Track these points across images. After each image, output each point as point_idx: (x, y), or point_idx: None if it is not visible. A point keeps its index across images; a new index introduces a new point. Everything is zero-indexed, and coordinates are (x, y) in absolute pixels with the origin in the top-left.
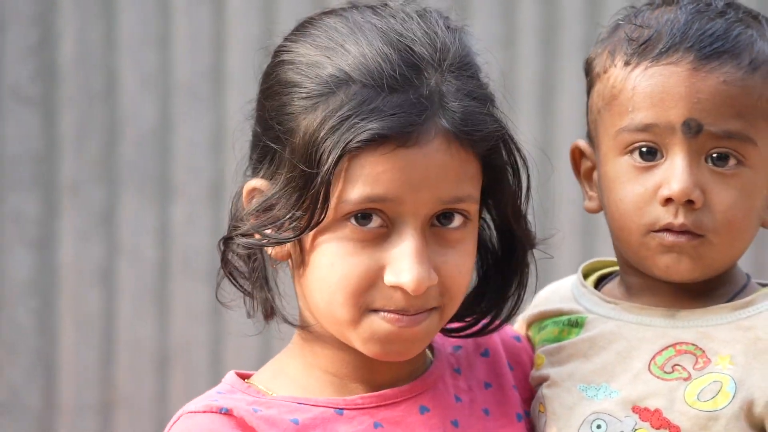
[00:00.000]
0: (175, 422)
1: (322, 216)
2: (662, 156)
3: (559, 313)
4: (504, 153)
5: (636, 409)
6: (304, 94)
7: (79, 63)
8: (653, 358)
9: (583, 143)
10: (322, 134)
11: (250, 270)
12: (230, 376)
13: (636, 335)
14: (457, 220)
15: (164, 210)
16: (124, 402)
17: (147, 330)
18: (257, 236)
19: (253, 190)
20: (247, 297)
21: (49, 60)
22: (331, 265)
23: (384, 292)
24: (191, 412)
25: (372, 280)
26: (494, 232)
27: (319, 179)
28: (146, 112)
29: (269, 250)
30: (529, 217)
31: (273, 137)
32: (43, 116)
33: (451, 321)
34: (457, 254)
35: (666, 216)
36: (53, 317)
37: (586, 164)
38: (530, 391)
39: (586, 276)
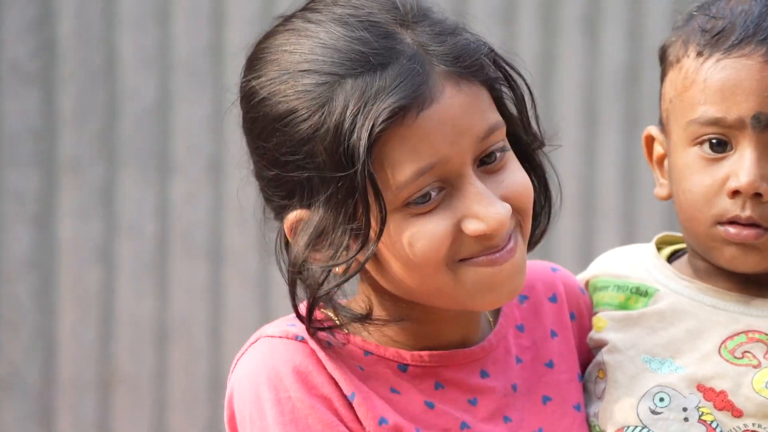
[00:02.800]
0: (252, 343)
1: (384, 211)
2: (732, 148)
3: (626, 278)
4: (493, 68)
5: (701, 388)
6: (305, 116)
7: (79, 40)
8: (724, 341)
9: (655, 130)
10: (342, 138)
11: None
12: (285, 322)
13: (709, 317)
14: (498, 156)
15: (164, 187)
16: (124, 379)
17: (146, 307)
18: (337, 270)
19: (295, 222)
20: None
21: (49, 36)
22: (410, 245)
23: (467, 242)
24: (269, 336)
25: (453, 238)
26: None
27: (359, 176)
28: (146, 89)
29: (337, 269)
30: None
31: (293, 168)
32: (42, 93)
33: None
34: (511, 174)
35: (733, 208)
36: (53, 294)
37: (658, 151)
38: (587, 350)
39: (657, 249)
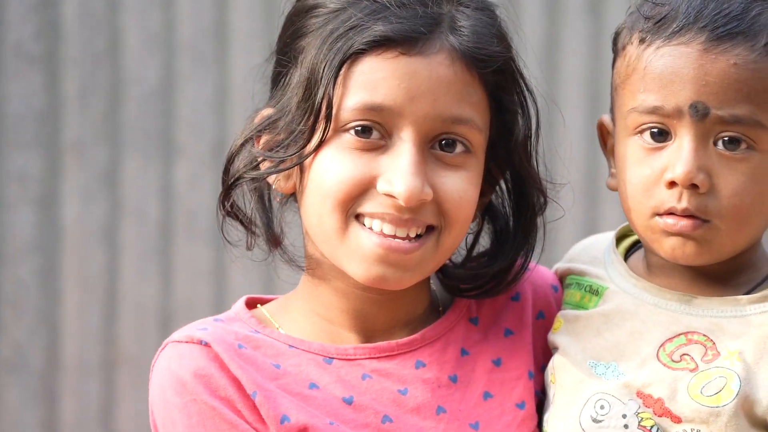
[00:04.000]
0: (162, 349)
1: (327, 124)
2: (672, 138)
3: (584, 275)
4: (513, 91)
5: (640, 394)
6: (320, 14)
7: (83, 21)
8: (663, 344)
9: (607, 119)
10: (328, 43)
11: (257, 204)
12: (239, 304)
13: (651, 317)
14: (459, 148)
15: (168, 169)
16: (128, 361)
17: (150, 289)
18: (264, 165)
19: (261, 117)
20: (249, 230)
21: (53, 18)
22: (326, 171)
23: (376, 199)
24: (175, 342)
25: (364, 187)
26: (505, 197)
27: (321, 86)
28: (150, 71)
29: (272, 182)
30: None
31: (285, 60)
32: (46, 75)
33: (465, 282)
34: (457, 178)
35: (670, 200)
36: (56, 276)
37: (611, 140)
38: (549, 350)
39: (622, 237)
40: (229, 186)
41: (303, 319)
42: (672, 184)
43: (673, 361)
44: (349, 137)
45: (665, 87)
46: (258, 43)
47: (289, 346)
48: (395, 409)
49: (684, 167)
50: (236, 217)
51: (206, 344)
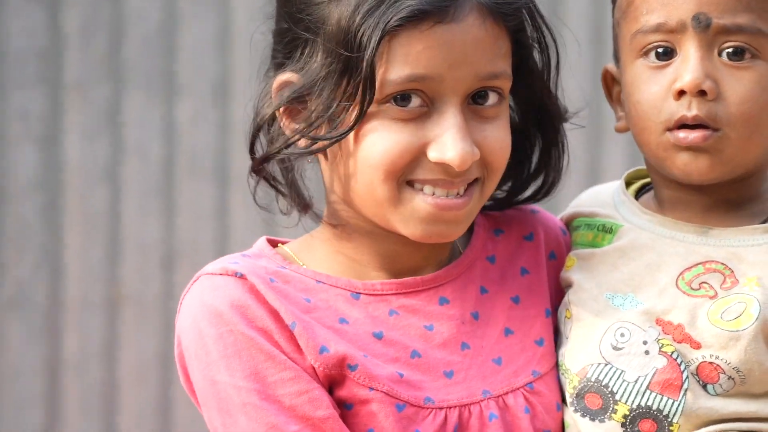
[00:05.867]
0: (194, 282)
1: (371, 100)
2: (676, 54)
3: (594, 216)
4: (531, 29)
5: (659, 322)
6: None
7: None
8: (681, 273)
9: (611, 66)
10: (359, 18)
11: (283, 169)
12: (261, 242)
13: (667, 249)
14: (492, 98)
15: (170, 108)
16: (130, 299)
17: (153, 228)
18: (302, 143)
19: (284, 83)
20: (280, 196)
21: None
22: (373, 144)
23: (427, 166)
24: (209, 274)
25: (414, 156)
26: (522, 115)
27: (364, 62)
28: (152, 9)
29: (302, 142)
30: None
31: (303, 28)
32: (48, 12)
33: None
34: (495, 129)
35: (680, 109)
36: (59, 215)
37: (616, 88)
38: (562, 290)
39: (629, 184)
40: (261, 161)
41: (328, 258)
42: (680, 93)
43: (692, 288)
44: (391, 108)
45: (667, 4)
46: None
47: (317, 281)
48: (423, 345)
49: (691, 74)
50: (269, 183)
51: (241, 276)
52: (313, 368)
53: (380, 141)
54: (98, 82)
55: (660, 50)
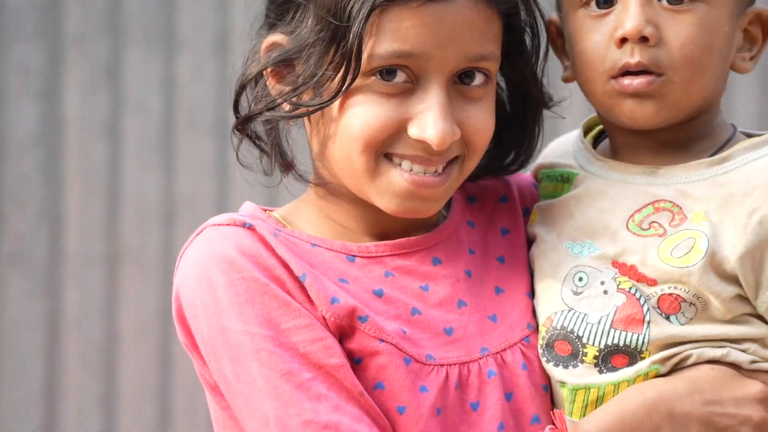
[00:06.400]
0: (198, 233)
1: (357, 72)
2: (617, 2)
3: (554, 167)
4: (524, 13)
5: (615, 264)
6: None
7: None
8: (632, 215)
9: (555, 17)
10: None
11: (267, 129)
12: (249, 205)
13: (619, 193)
14: (479, 79)
15: (170, 62)
16: (130, 254)
17: (152, 183)
18: (285, 106)
19: (273, 44)
20: (263, 155)
21: None
22: (354, 115)
23: (406, 142)
24: (216, 225)
25: (395, 130)
26: (507, 94)
27: (352, 34)
28: None
29: (286, 106)
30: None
31: None
32: None
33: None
34: (479, 110)
35: (623, 56)
36: (59, 169)
37: (560, 39)
38: None
39: (589, 130)
40: (244, 120)
41: (319, 223)
42: (623, 41)
43: (642, 229)
44: (376, 81)
45: None
46: None
47: (312, 245)
48: (421, 304)
49: (632, 21)
50: (252, 142)
51: (250, 227)
52: (325, 319)
53: (362, 113)
54: (98, 37)
55: (600, 2)
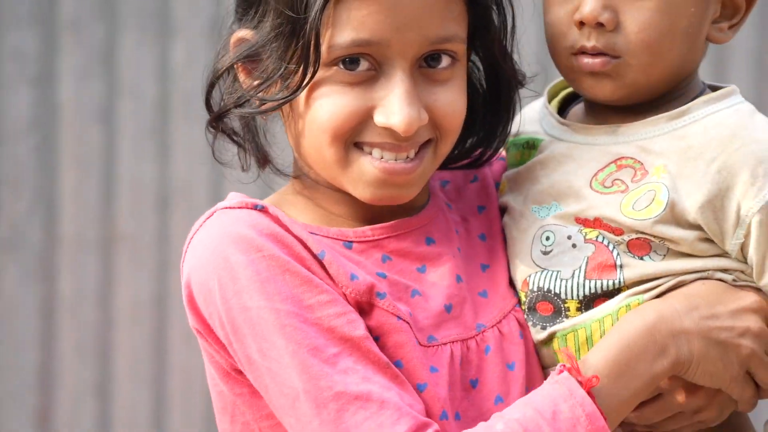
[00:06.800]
0: (208, 217)
1: (317, 65)
2: None
3: (519, 135)
4: None
5: (579, 220)
6: None
7: None
8: (595, 174)
9: None
10: None
11: (243, 124)
12: (235, 195)
13: (582, 155)
14: (445, 61)
15: (165, 48)
16: (125, 239)
17: (147, 168)
18: (255, 101)
19: (240, 40)
20: (240, 150)
21: None
22: (320, 106)
23: (374, 130)
24: (227, 208)
25: (361, 119)
26: (482, 73)
27: (308, 26)
28: None
29: (255, 101)
30: (515, 56)
31: None
32: None
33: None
34: (447, 91)
35: (581, 39)
36: (54, 154)
37: None
38: None
39: (555, 96)
40: (216, 117)
41: (309, 211)
42: (581, 24)
43: (605, 187)
44: (339, 71)
45: None
46: None
47: (309, 233)
48: (420, 285)
49: (589, 6)
50: (227, 136)
51: (262, 209)
52: (345, 296)
53: (327, 104)
54: (93, 22)
55: None
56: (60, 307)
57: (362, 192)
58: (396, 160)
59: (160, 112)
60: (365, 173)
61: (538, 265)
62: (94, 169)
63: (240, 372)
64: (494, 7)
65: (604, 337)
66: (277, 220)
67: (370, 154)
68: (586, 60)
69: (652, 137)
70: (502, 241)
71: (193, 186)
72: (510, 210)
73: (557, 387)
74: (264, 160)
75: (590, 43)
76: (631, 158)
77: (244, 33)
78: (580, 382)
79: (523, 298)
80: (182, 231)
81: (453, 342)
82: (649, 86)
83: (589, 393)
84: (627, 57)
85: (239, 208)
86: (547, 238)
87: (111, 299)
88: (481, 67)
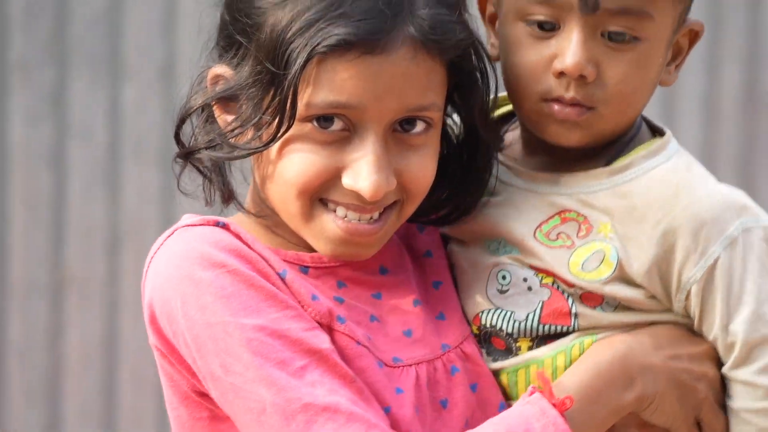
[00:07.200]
0: (169, 236)
1: (291, 121)
2: (559, 27)
3: None
4: (473, 58)
5: (532, 267)
6: None
7: None
8: (539, 226)
9: None
10: (289, 35)
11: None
12: (190, 216)
13: (525, 201)
14: (420, 126)
15: (115, 91)
16: (76, 282)
17: (98, 211)
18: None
19: (217, 77)
20: (205, 184)
21: None
22: (290, 160)
23: (341, 190)
24: (188, 225)
25: (329, 178)
26: (460, 134)
27: (287, 83)
28: None
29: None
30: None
31: (239, 29)
32: None
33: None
34: (419, 157)
35: (558, 88)
36: (3, 197)
37: (490, 9)
38: None
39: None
40: (186, 154)
41: (267, 236)
42: (561, 74)
43: (550, 240)
44: (313, 128)
45: None
46: None
47: (270, 250)
48: (377, 311)
49: (573, 59)
50: (196, 169)
51: (224, 225)
52: (308, 315)
53: (298, 159)
54: (43, 64)
55: (543, 21)
56: (9, 350)
57: (323, 247)
58: (360, 220)
59: (111, 155)
60: (327, 230)
61: (492, 303)
62: (43, 212)
63: (201, 395)
64: (477, 73)
65: (576, 363)
66: (239, 237)
67: (335, 211)
68: (559, 108)
69: (594, 191)
70: (448, 263)
71: (143, 228)
72: (454, 241)
73: (529, 407)
74: (229, 196)
75: (569, 94)
76: (575, 212)
77: (223, 70)
78: (554, 404)
79: (474, 330)
80: (133, 273)
81: (419, 363)
82: (612, 134)
83: (561, 414)
84: (601, 108)
85: (200, 225)
86: (504, 277)
87: (60, 343)
88: (458, 128)
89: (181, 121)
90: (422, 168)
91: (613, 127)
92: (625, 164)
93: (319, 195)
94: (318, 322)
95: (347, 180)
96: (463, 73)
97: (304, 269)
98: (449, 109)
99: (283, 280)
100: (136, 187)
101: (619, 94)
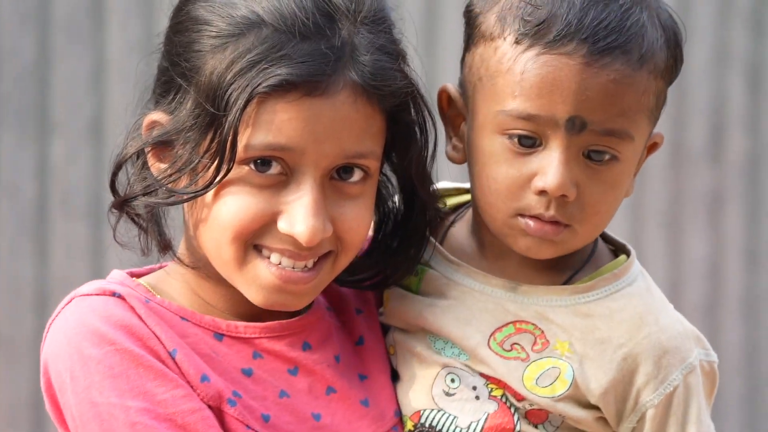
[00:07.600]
0: (66, 304)
1: (231, 164)
2: (541, 144)
3: None
4: (412, 111)
5: (483, 375)
6: (214, 33)
7: None
8: (493, 333)
9: (453, 89)
10: (229, 76)
11: (146, 208)
12: (118, 273)
13: (477, 304)
14: (357, 175)
15: (43, 147)
16: (2, 341)
17: (25, 268)
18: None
19: (153, 123)
20: (141, 234)
21: None
22: (225, 205)
23: (276, 235)
24: (84, 295)
25: (264, 222)
26: (396, 191)
27: (227, 124)
28: (24, 47)
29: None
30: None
31: (179, 73)
32: None
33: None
34: (355, 207)
35: (538, 206)
36: None
37: (453, 111)
38: None
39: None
40: (121, 203)
41: (187, 296)
42: (542, 192)
43: (504, 350)
44: (250, 171)
45: (544, 96)
46: (135, 20)
47: (181, 318)
48: (289, 387)
49: (558, 180)
50: (131, 219)
51: (120, 296)
52: (198, 395)
53: (233, 203)
54: None
55: (525, 137)
56: None
57: (255, 295)
58: (294, 267)
59: (39, 211)
60: (260, 277)
61: (436, 403)
62: None
63: None
64: (416, 127)
65: None
66: (133, 310)
67: (269, 258)
68: (537, 226)
69: (554, 306)
70: (383, 351)
71: (72, 285)
72: (397, 331)
73: None
74: (166, 245)
75: (549, 213)
76: (532, 324)
77: (159, 116)
78: None
79: (409, 426)
80: None
81: None
82: (579, 248)
83: None
84: (576, 225)
85: (96, 295)
86: (453, 380)
87: None
88: (395, 185)
89: (117, 169)
90: (358, 218)
91: (584, 242)
92: (589, 285)
93: (253, 240)
94: (208, 404)
95: (283, 224)
96: (402, 125)
97: (219, 336)
98: (385, 167)
99: (173, 359)
100: (64, 243)
101: (595, 213)
